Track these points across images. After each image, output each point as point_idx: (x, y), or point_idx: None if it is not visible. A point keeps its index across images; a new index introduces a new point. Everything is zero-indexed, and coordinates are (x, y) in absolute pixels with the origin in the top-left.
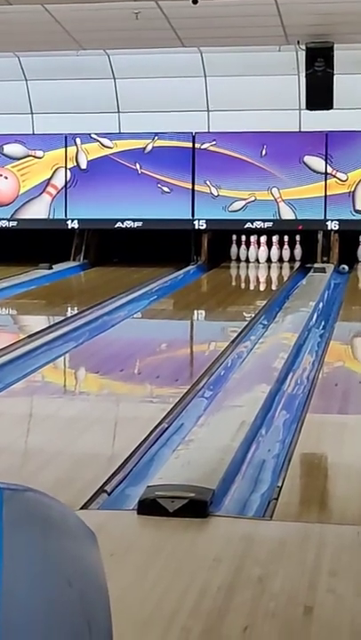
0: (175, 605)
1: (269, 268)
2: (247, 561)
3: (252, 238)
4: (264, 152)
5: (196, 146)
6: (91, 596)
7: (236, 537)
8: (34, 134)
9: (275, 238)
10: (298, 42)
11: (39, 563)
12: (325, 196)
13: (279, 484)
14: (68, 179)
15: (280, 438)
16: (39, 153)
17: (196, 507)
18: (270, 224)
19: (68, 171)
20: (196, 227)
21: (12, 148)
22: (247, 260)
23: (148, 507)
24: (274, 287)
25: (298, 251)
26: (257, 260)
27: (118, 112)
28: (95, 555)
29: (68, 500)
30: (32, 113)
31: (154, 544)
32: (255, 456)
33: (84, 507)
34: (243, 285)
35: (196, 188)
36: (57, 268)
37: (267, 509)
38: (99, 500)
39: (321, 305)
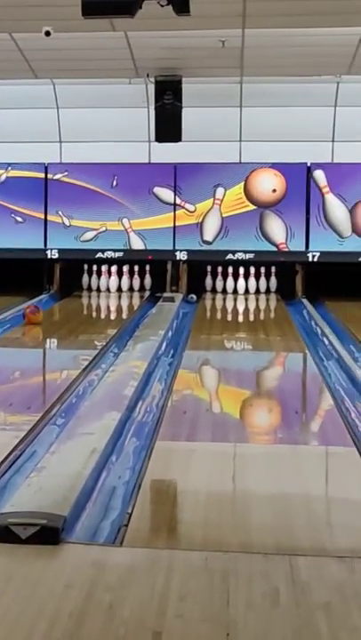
0: (27, 633)
1: (120, 297)
2: (98, 587)
3: (103, 268)
4: (115, 183)
5: (49, 176)
6: None
7: (87, 563)
8: None
9: (125, 268)
10: (147, 75)
11: None
12: (174, 226)
13: (129, 511)
14: None
15: (130, 465)
16: None
17: (48, 533)
18: (121, 254)
19: None
20: (49, 256)
21: None
22: (98, 290)
23: (0, 534)
24: (124, 316)
25: (148, 280)
26: (108, 290)
27: None
28: None
29: None
30: None
31: (5, 571)
32: (106, 483)
33: None
34: (94, 314)
35: (49, 217)
36: None
37: (117, 536)
38: None
39: (170, 334)
